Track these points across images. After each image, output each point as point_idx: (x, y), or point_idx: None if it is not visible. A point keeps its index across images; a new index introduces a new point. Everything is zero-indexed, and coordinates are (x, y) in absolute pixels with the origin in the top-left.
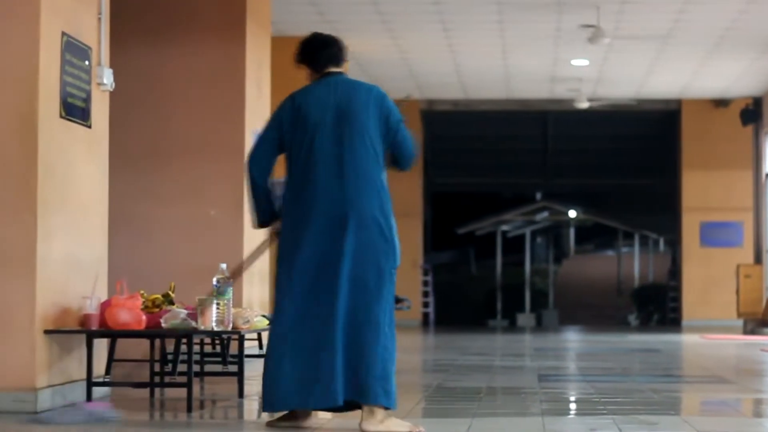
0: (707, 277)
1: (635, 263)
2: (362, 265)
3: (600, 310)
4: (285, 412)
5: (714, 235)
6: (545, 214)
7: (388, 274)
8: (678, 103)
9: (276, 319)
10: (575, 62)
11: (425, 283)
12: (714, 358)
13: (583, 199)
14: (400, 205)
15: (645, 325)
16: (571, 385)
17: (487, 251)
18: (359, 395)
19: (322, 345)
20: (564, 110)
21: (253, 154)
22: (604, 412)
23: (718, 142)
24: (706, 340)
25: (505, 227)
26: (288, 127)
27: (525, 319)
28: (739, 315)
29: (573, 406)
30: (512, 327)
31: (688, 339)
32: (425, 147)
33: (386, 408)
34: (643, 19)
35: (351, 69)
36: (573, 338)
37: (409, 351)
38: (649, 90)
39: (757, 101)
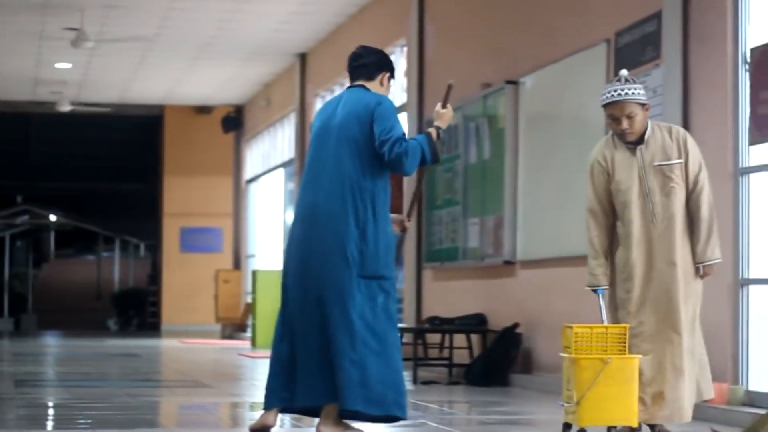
0: (187, 283)
1: (115, 268)
2: (319, 268)
3: (80, 314)
4: None
5: (194, 240)
6: (26, 217)
7: (353, 280)
8: (161, 108)
9: None
10: (59, 65)
11: None
12: (192, 363)
13: (64, 202)
14: None
15: (125, 330)
16: (49, 391)
17: None
18: None
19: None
20: (47, 113)
21: None
22: (81, 417)
23: (200, 148)
24: (184, 344)
25: None
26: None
27: (3, 323)
28: (218, 320)
29: (51, 412)
30: None
31: (167, 343)
32: None
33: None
34: (128, 24)
35: None
36: (52, 343)
37: None
38: (133, 95)
39: (239, 109)
